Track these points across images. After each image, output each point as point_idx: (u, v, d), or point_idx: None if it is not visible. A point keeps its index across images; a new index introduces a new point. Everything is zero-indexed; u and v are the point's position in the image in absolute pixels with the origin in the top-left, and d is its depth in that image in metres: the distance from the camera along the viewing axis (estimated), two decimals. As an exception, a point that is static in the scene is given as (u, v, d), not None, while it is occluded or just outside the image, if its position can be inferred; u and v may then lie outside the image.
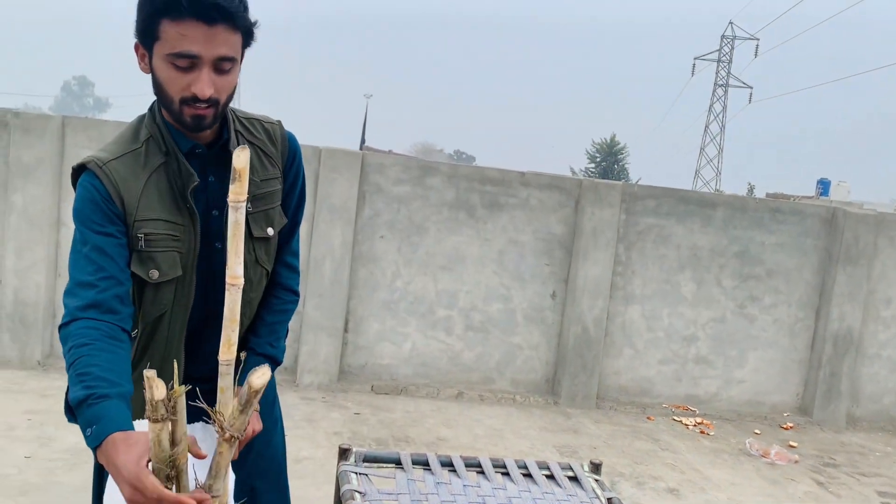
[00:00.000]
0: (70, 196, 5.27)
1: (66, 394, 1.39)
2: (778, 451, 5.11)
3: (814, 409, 6.03)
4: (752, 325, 6.06)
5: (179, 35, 1.42)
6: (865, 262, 5.97)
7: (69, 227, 5.28)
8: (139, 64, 1.52)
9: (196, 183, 1.56)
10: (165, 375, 1.61)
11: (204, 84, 1.45)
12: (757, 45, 56.07)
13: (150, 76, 1.53)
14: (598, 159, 49.71)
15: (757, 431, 5.69)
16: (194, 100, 1.46)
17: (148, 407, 1.14)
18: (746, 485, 4.58)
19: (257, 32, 1.54)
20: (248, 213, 1.60)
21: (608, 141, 50.28)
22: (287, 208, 1.77)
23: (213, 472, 1.26)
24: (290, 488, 2.07)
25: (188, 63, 1.44)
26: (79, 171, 1.54)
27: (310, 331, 5.45)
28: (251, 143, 1.65)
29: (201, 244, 1.60)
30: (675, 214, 5.89)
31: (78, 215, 1.51)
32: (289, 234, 1.81)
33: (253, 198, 1.61)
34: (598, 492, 2.60)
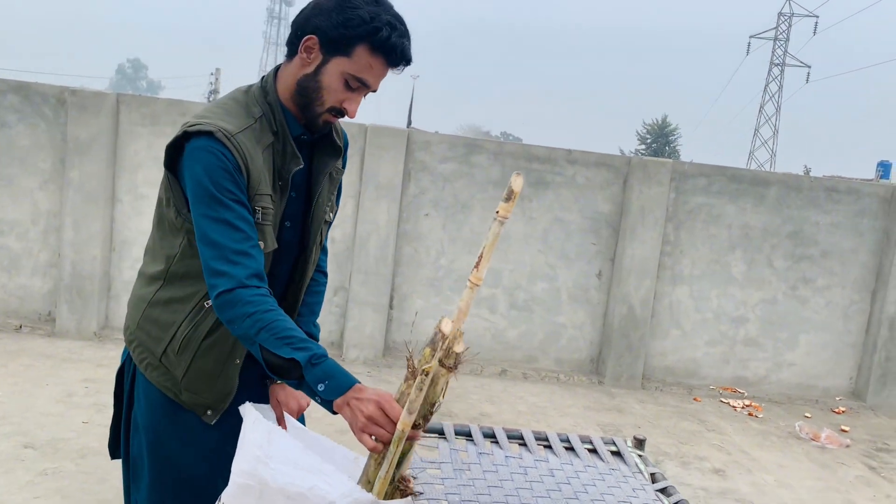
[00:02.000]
0: (123, 172, 5.40)
1: (266, 355, 1.43)
2: (829, 435, 5.00)
3: (867, 393, 5.87)
4: (805, 307, 5.91)
5: (368, 65, 1.54)
6: (926, 243, 5.77)
7: (123, 203, 5.42)
8: (303, 56, 1.56)
9: (301, 167, 1.62)
10: (236, 350, 1.67)
11: (357, 106, 1.59)
12: (816, 23, 54.21)
13: (296, 65, 1.58)
14: (648, 140, 48.89)
15: (807, 415, 5.58)
16: (339, 113, 1.59)
17: (439, 353, 1.28)
18: (795, 467, 4.50)
19: None
20: (323, 201, 1.71)
21: (659, 122, 49.37)
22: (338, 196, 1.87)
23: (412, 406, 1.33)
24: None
25: (357, 86, 1.56)
26: (199, 135, 1.50)
27: (356, 306, 5.51)
28: (334, 141, 1.73)
29: (279, 230, 1.66)
30: (726, 193, 5.77)
31: (210, 181, 1.48)
32: (329, 225, 1.90)
33: (331, 186, 1.74)
34: (642, 467, 2.58)
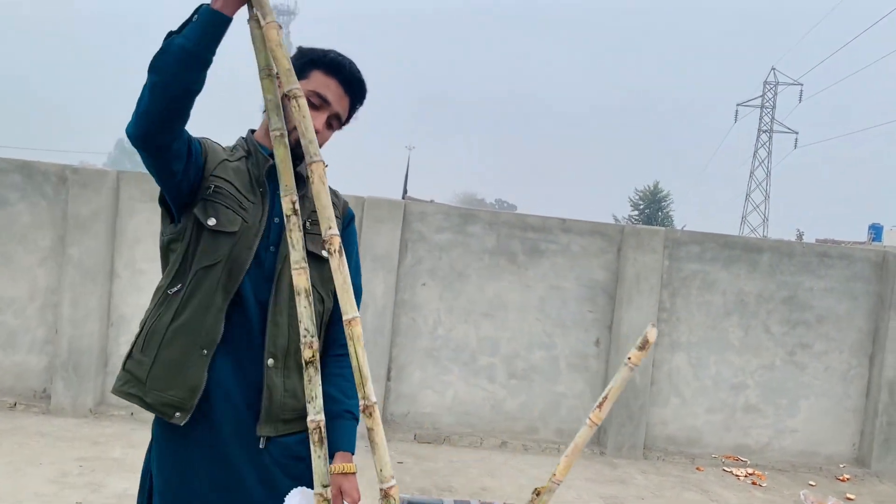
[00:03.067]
0: (122, 248, 5.44)
1: (179, 36, 1.59)
2: (835, 503, 4.93)
3: (871, 459, 5.81)
4: (803, 373, 5.90)
5: (325, 84, 1.80)
6: (920, 306, 5.80)
7: (122, 278, 5.45)
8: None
9: (271, 164, 1.78)
10: (201, 336, 1.70)
11: (321, 121, 1.80)
12: (801, 90, 55.57)
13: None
14: (641, 206, 49.40)
15: (812, 483, 5.50)
16: None
17: None
18: (802, 539, 4.42)
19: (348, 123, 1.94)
20: (306, 231, 1.75)
21: (651, 188, 50.00)
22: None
23: None
24: None
25: (319, 103, 1.79)
26: None
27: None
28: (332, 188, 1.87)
29: (262, 235, 1.77)
30: (719, 260, 5.83)
31: None
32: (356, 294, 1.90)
33: (312, 221, 1.80)
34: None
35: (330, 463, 1.71)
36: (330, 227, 1.57)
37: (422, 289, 5.68)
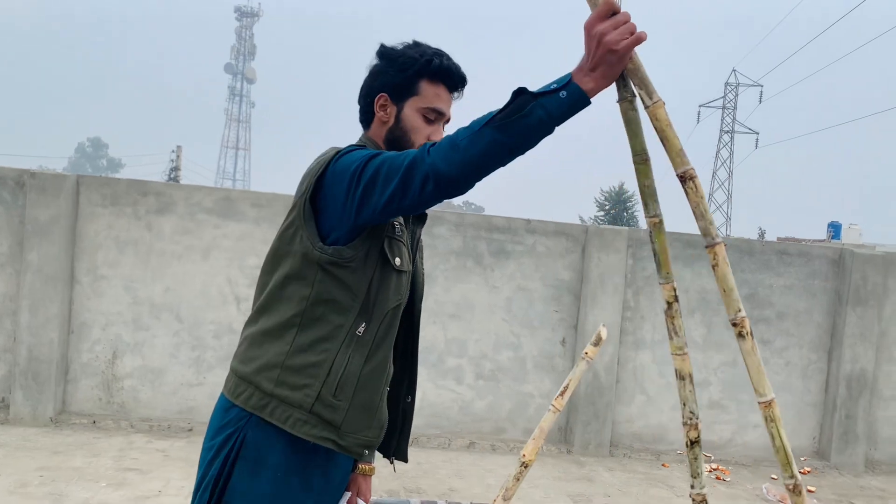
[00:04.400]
0: (82, 253, 5.35)
1: (503, 115, 1.43)
2: (796, 497, 5.02)
3: (831, 452, 5.94)
4: (765, 369, 6.00)
5: (436, 94, 1.74)
6: (875, 302, 5.95)
7: (83, 284, 5.36)
8: (380, 113, 1.76)
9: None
10: (387, 375, 1.75)
11: (442, 135, 1.75)
12: (761, 92, 56.60)
13: (378, 124, 1.77)
14: (607, 207, 49.86)
15: (773, 476, 5.60)
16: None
17: None
18: (764, 531, 4.50)
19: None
20: (420, 262, 1.89)
21: (617, 189, 50.50)
22: None
23: None
24: None
25: (435, 117, 1.76)
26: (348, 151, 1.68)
27: (320, 382, 5.45)
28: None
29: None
30: (682, 258, 5.92)
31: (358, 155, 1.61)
32: None
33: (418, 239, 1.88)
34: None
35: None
36: (739, 309, 1.50)
37: (388, 291, 5.67)
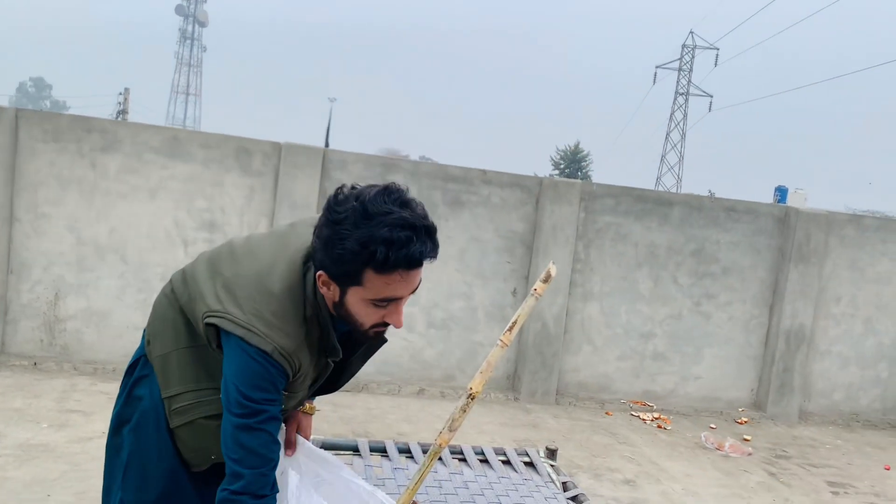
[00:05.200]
0: (22, 191, 5.16)
1: None
2: (732, 444, 5.22)
3: (767, 403, 6.16)
4: (708, 322, 6.17)
5: (385, 284, 1.43)
6: (817, 260, 6.13)
7: (23, 223, 5.18)
8: (322, 289, 1.50)
9: (339, 358, 1.63)
10: None
11: (400, 316, 1.51)
12: (717, 55, 57.05)
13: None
14: (562, 166, 50.11)
15: (712, 426, 5.80)
16: (384, 325, 1.53)
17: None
18: (701, 476, 4.67)
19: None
20: (356, 363, 1.75)
21: (572, 148, 50.71)
22: None
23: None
24: None
25: (386, 304, 1.48)
26: (264, 350, 1.48)
27: (270, 328, 5.41)
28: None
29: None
30: (632, 213, 5.99)
31: (249, 386, 1.47)
32: None
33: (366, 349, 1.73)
34: (554, 476, 2.64)
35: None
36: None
37: (341, 238, 5.62)
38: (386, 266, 1.39)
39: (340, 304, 1.49)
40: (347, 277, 1.43)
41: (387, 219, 1.38)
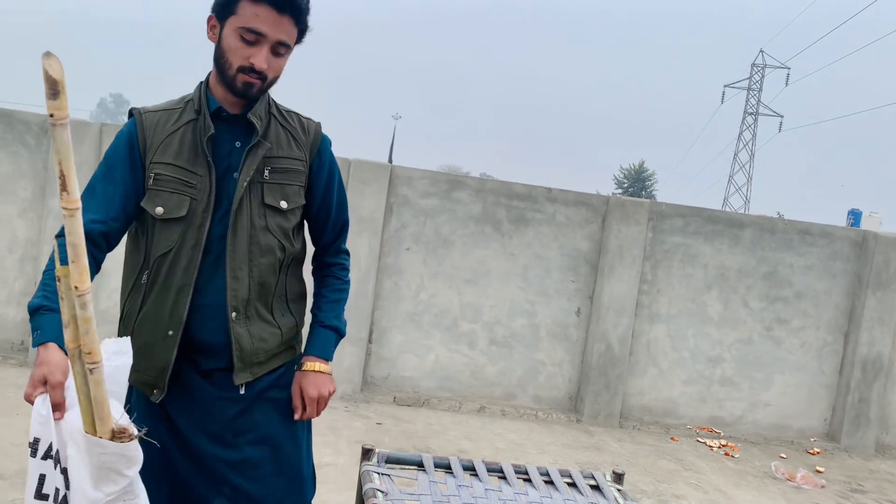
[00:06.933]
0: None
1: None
2: (804, 475, 5.03)
3: (842, 434, 5.92)
4: (779, 348, 5.98)
5: (254, 14, 1.67)
6: (896, 286, 5.89)
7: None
8: (208, 33, 1.76)
9: (211, 133, 1.75)
10: (165, 319, 1.76)
11: (262, 58, 1.70)
12: (788, 74, 55.72)
13: (213, 48, 1.76)
14: (625, 185, 49.56)
15: (783, 455, 5.60)
16: (250, 70, 1.70)
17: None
18: (771, 507, 4.51)
19: (307, 36, 1.81)
20: (264, 181, 1.80)
21: (636, 167, 50.12)
22: (314, 196, 1.94)
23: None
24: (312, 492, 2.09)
25: (254, 39, 1.69)
26: (128, 116, 1.83)
27: (334, 340, 5.47)
28: (281, 126, 1.86)
29: (216, 198, 1.77)
30: (702, 234, 5.87)
31: (109, 149, 1.81)
32: (338, 230, 2.03)
33: (271, 169, 1.82)
34: (621, 501, 2.59)
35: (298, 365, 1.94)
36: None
37: (406, 253, 5.67)
38: None
39: (218, 44, 1.73)
40: (227, 7, 1.69)
41: None
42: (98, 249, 1.71)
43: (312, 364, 1.93)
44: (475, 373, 5.78)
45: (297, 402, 1.91)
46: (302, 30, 1.77)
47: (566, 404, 5.90)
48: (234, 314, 1.80)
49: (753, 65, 57.61)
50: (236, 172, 1.78)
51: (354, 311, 5.50)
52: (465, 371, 5.76)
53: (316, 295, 2.03)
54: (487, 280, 5.73)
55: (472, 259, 5.72)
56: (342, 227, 2.04)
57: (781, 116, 56.78)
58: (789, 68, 56.07)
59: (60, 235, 1.61)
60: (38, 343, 1.54)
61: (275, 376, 1.91)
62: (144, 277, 1.79)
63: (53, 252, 1.60)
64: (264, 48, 1.69)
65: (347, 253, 2.09)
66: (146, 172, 1.76)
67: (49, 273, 1.62)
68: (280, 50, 1.73)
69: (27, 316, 5.30)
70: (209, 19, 1.75)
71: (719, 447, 5.61)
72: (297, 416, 1.91)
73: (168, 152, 1.75)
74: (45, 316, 1.57)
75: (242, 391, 1.85)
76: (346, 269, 2.08)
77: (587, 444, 5.26)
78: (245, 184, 1.78)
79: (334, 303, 2.02)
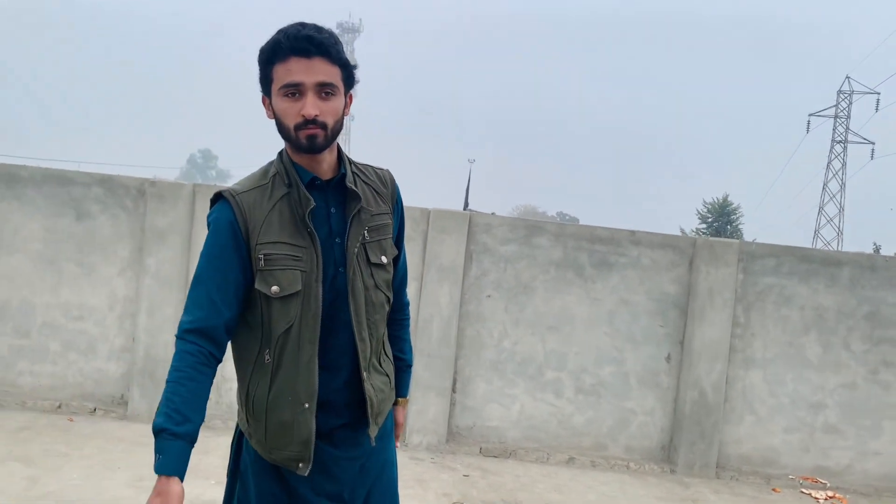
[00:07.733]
0: (196, 258, 5.59)
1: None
2: (924, 532, 4.67)
3: (963, 486, 5.48)
4: (887, 393, 5.63)
5: (286, 70, 1.71)
6: None
7: (196, 288, 5.58)
8: (266, 113, 1.81)
9: (312, 206, 1.78)
10: (300, 393, 1.77)
11: (309, 106, 1.71)
12: (878, 99, 53.58)
13: (275, 124, 1.81)
14: (709, 220, 48.28)
15: (898, 509, 5.23)
16: (305, 123, 1.72)
17: None
18: (889, 567, 4.20)
19: (357, 74, 1.84)
20: (365, 242, 1.85)
21: (720, 201, 48.82)
22: (398, 241, 2.03)
23: None
24: None
25: (294, 90, 1.71)
26: (215, 200, 1.82)
27: (418, 390, 5.48)
28: (365, 183, 1.91)
29: (324, 265, 1.80)
30: (796, 273, 5.63)
31: (207, 239, 1.79)
32: (405, 269, 2.12)
33: (369, 228, 1.88)
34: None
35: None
36: None
37: (487, 301, 5.65)
38: (280, 51, 1.70)
39: (276, 117, 1.76)
40: (266, 81, 1.76)
41: (292, 24, 1.74)
42: (220, 349, 1.78)
43: (403, 400, 2.16)
44: (562, 422, 5.65)
45: (398, 432, 2.15)
46: (343, 66, 1.76)
47: (659, 454, 5.69)
48: (365, 374, 1.88)
49: (840, 91, 55.68)
50: (338, 238, 1.83)
51: (437, 360, 5.49)
52: (551, 421, 5.65)
53: (393, 337, 2.13)
54: (571, 326, 5.64)
55: (555, 305, 5.65)
56: (405, 266, 2.13)
57: (873, 143, 54.48)
58: (879, 93, 53.92)
59: (182, 336, 1.72)
60: (159, 471, 1.61)
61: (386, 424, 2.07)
62: (268, 357, 1.80)
63: (177, 357, 1.70)
64: (308, 96, 1.71)
65: (406, 291, 2.19)
66: (254, 254, 1.76)
67: (172, 385, 1.68)
68: (326, 91, 1.73)
69: (126, 370, 5.50)
70: (262, 101, 1.80)
71: (826, 499, 5.28)
72: (397, 444, 2.14)
73: (272, 231, 1.76)
74: (168, 442, 1.64)
75: (373, 443, 1.94)
76: (407, 307, 2.20)
77: (683, 497, 5.05)
78: (355, 250, 1.84)
79: (407, 340, 2.19)
